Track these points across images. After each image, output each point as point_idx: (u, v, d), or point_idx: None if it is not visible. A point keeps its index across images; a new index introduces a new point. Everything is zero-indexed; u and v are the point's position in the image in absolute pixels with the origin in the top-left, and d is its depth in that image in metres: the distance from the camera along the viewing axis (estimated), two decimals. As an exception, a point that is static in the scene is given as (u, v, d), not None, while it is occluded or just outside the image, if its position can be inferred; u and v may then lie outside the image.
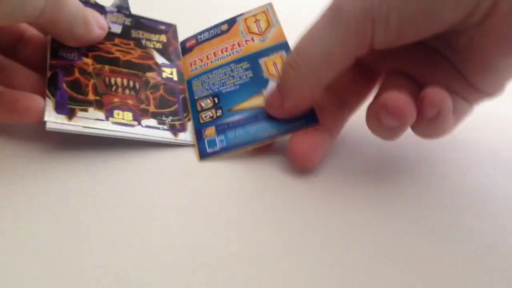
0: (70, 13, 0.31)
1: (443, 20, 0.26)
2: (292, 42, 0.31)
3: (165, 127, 0.33)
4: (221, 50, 0.36)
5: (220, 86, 0.34)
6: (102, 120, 0.31)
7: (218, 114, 0.33)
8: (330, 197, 0.30)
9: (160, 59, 0.36)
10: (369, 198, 0.30)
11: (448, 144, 0.33)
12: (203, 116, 0.33)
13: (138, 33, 0.36)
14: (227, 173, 0.31)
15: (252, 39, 0.35)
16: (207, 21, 0.38)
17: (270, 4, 0.37)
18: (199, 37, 0.38)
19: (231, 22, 0.37)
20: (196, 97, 0.35)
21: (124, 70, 0.34)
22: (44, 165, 0.29)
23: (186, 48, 0.38)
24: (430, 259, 0.26)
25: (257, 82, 0.33)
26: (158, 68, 0.35)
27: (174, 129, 0.33)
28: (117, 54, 0.35)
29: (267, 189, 0.30)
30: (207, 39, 0.37)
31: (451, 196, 0.31)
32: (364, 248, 0.27)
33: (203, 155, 0.32)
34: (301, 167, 0.31)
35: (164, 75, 0.35)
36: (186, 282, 0.24)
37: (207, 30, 0.38)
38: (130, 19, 0.37)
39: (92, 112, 0.31)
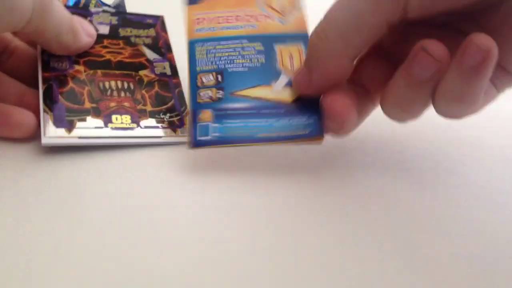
0: (56, 22, 0.31)
1: None
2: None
3: (164, 125, 0.33)
4: (235, 18, 0.33)
5: (227, 63, 0.32)
6: (101, 127, 0.31)
7: (218, 95, 0.31)
8: (337, 191, 0.30)
9: (151, 55, 0.36)
10: (375, 192, 0.30)
11: (453, 140, 0.33)
12: (201, 94, 0.31)
13: (126, 31, 0.36)
14: (228, 167, 0.31)
15: (271, 17, 0.33)
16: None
17: None
18: None
19: None
20: (198, 69, 0.32)
21: (117, 72, 0.34)
22: (40, 165, 0.30)
23: None
24: (435, 252, 0.27)
25: (268, 71, 0.31)
26: (150, 64, 0.35)
27: (173, 126, 0.33)
28: (108, 56, 0.35)
29: (270, 184, 0.31)
30: None
31: (455, 191, 0.31)
32: (369, 241, 0.27)
33: (193, 143, 0.30)
34: (338, 127, 0.29)
35: (157, 70, 0.35)
36: (191, 281, 0.25)
37: None
38: (116, 17, 0.36)
39: (90, 120, 0.31)
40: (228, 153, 0.32)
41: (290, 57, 0.32)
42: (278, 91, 0.31)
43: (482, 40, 0.25)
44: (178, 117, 0.34)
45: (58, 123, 0.31)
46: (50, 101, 0.31)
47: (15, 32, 0.34)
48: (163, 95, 0.34)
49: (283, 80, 0.31)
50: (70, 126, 0.31)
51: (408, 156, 0.33)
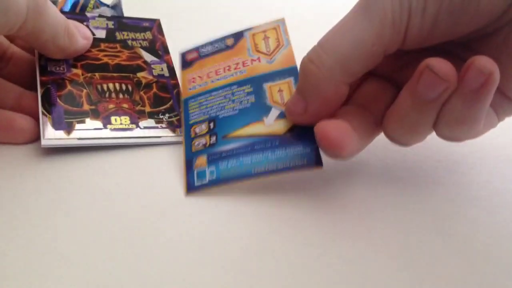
0: (52, 24, 0.31)
1: (480, 12, 0.24)
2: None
3: (163, 125, 0.33)
4: (224, 69, 0.34)
5: (218, 110, 0.32)
6: (101, 128, 0.31)
7: (212, 141, 0.31)
8: (340, 189, 0.30)
9: (148, 57, 0.36)
10: (375, 191, 0.30)
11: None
12: (195, 143, 0.31)
13: (123, 35, 0.36)
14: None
15: (259, 59, 0.33)
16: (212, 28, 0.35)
17: (282, 20, 0.34)
18: (201, 50, 0.35)
19: (238, 36, 0.35)
20: (191, 122, 0.32)
21: (115, 74, 0.34)
22: (40, 166, 0.30)
23: (186, 62, 0.36)
24: (435, 251, 0.27)
25: (259, 108, 0.31)
26: (148, 66, 0.36)
27: (172, 126, 0.33)
28: (105, 59, 0.35)
29: (271, 181, 0.30)
30: (210, 54, 0.35)
31: (456, 190, 0.31)
32: (369, 241, 0.27)
33: (190, 188, 0.29)
34: (335, 154, 0.27)
35: (155, 72, 0.35)
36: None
37: (211, 43, 0.35)
38: (112, 22, 0.37)
39: (90, 122, 0.31)
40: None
41: (279, 91, 0.31)
42: (271, 124, 0.30)
43: (483, 63, 0.24)
44: (177, 117, 0.34)
45: (57, 126, 0.30)
46: (49, 104, 0.31)
47: (12, 38, 0.34)
48: (162, 96, 0.34)
49: (274, 113, 0.30)
50: (69, 128, 0.31)
51: (409, 155, 0.33)
